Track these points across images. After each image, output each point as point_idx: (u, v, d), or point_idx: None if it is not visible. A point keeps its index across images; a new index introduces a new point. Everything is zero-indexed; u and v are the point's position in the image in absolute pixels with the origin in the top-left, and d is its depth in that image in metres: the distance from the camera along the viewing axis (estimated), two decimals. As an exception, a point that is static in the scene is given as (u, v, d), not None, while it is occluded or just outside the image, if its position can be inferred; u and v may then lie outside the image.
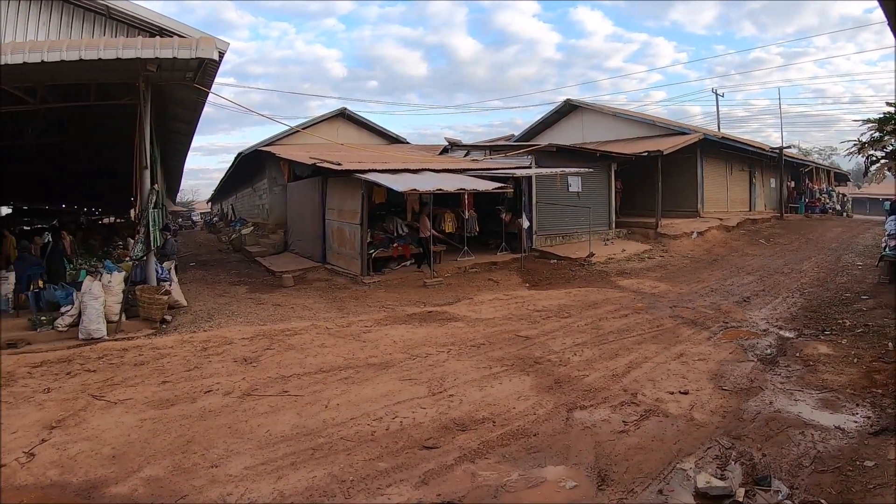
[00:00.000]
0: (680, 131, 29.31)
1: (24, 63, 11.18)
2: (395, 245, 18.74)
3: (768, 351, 9.86)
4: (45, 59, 11.22)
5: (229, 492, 5.84)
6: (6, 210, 44.00)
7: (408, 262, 18.82)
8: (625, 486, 5.63)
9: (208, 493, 5.85)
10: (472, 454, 6.38)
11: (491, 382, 8.66)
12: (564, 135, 33.44)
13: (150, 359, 10.70)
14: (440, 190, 16.98)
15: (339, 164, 18.88)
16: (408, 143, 35.60)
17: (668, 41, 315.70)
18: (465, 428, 7.06)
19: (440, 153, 28.10)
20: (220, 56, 12.66)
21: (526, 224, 20.53)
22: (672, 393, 7.98)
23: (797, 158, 41.89)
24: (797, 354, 9.57)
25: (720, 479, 5.64)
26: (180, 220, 65.60)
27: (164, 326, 13.11)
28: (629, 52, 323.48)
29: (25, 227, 33.18)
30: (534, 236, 21.56)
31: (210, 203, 75.49)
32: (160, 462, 6.58)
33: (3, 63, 11.12)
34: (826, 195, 41.40)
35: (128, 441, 7.20)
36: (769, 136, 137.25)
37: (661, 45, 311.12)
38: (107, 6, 13.92)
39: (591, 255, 19.63)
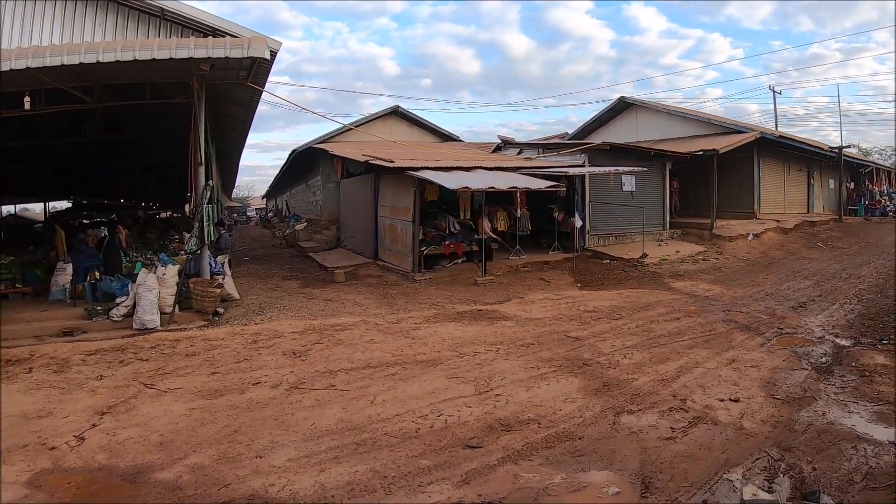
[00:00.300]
0: (736, 130, 28.57)
1: (81, 63, 11.51)
2: (446, 243, 18.72)
3: (823, 359, 9.56)
4: (101, 60, 11.53)
5: (272, 482, 5.90)
6: (66, 204, 45.28)
7: (459, 260, 18.78)
8: (668, 494, 5.51)
9: (251, 482, 5.92)
10: (516, 455, 6.30)
11: (538, 383, 8.57)
12: (618, 133, 32.99)
13: (202, 350, 10.91)
14: (492, 188, 16.88)
15: (392, 162, 18.94)
16: (461, 140, 35.53)
17: (724, 37, 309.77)
18: (509, 428, 7.00)
19: (493, 151, 28.04)
20: (272, 55, 12.82)
21: (579, 223, 20.27)
22: (722, 400, 7.77)
23: (857, 158, 40.66)
24: (853, 364, 9.24)
25: (767, 491, 5.48)
26: (235, 215, 66.56)
27: (216, 319, 13.33)
28: (684, 48, 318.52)
29: (84, 221, 34.22)
30: (586, 236, 21.31)
31: (265, 199, 76.75)
32: (206, 450, 6.69)
33: (60, 64, 11.48)
34: (887, 197, 39.98)
35: (175, 429, 7.36)
36: (828, 136, 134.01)
37: (717, 41, 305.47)
38: (161, 8, 14.17)
39: (645, 255, 19.38)
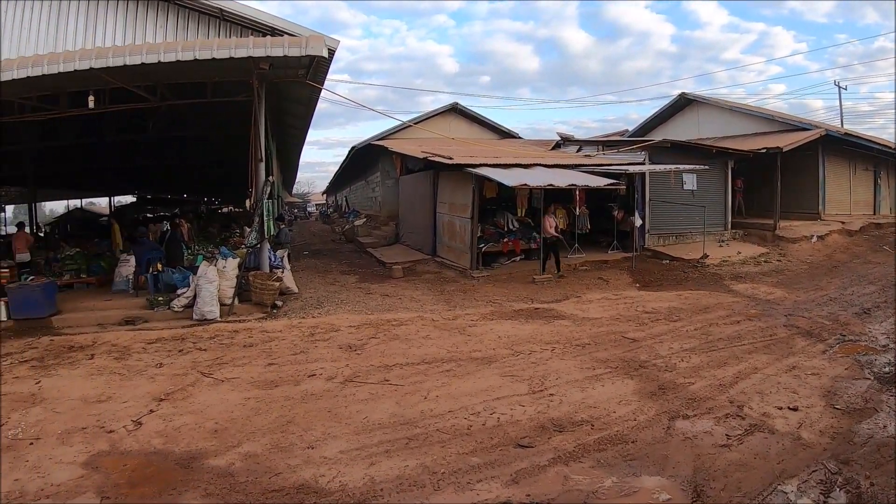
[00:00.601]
0: (800, 127, 27.42)
1: (142, 63, 11.89)
2: (505, 240, 18.71)
3: (887, 369, 9.19)
4: (162, 60, 11.91)
5: (322, 473, 5.99)
6: (131, 199, 46.59)
7: (517, 258, 18.75)
8: (720, 504, 5.43)
9: (302, 472, 6.02)
10: (567, 456, 6.26)
11: (593, 384, 8.49)
12: (679, 130, 32.27)
13: (259, 341, 11.12)
14: (551, 185, 16.78)
15: (451, 158, 18.97)
16: (520, 137, 35.31)
17: (787, 31, 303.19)
18: (562, 429, 6.95)
19: (552, 148, 27.82)
20: (330, 53, 12.99)
21: (638, 222, 19.99)
22: (780, 408, 7.55)
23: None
24: (919, 374, 8.97)
25: (822, 505, 5.36)
26: (296, 210, 67.63)
27: (274, 311, 13.58)
28: (746, 42, 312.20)
29: (148, 215, 35.28)
30: (646, 235, 21.04)
31: (325, 195, 77.72)
32: (259, 439, 6.84)
33: (123, 64, 11.90)
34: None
35: (230, 417, 7.54)
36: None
37: (780, 34, 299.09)
38: (220, 8, 14.49)
39: (705, 256, 19.03)
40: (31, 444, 7.06)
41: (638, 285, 16.68)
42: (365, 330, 11.76)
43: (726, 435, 6.75)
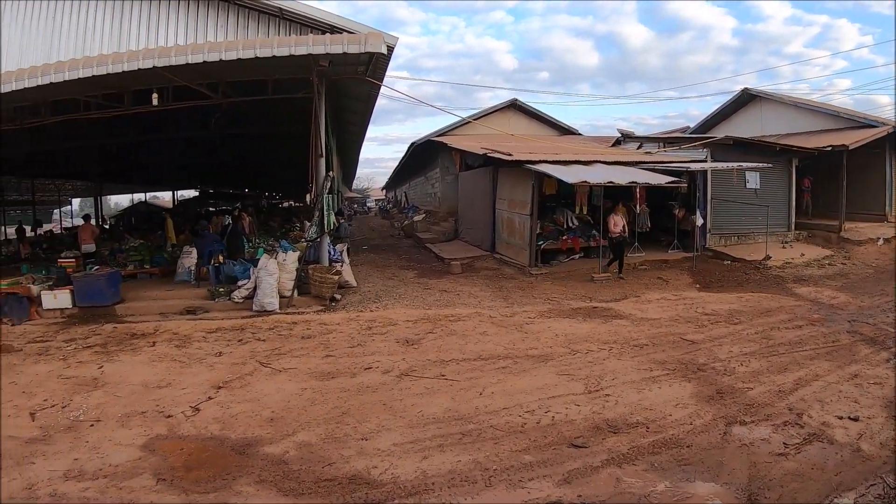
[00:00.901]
0: (867, 124, 26.19)
1: (204, 62, 12.23)
2: (564, 238, 18.64)
3: (955, 380, 8.99)
4: (223, 58, 12.24)
5: (375, 465, 6.10)
6: (194, 193, 47.83)
7: (576, 256, 18.66)
8: (774, 514, 5.33)
9: (355, 463, 6.14)
10: (620, 458, 6.22)
11: (650, 386, 8.41)
12: (742, 127, 31.19)
13: (317, 333, 11.33)
14: (611, 183, 16.58)
15: (510, 155, 18.95)
16: (579, 134, 34.98)
17: (852, 23, 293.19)
18: (616, 430, 6.91)
19: (612, 145, 27.49)
20: (388, 50, 13.11)
21: (700, 222, 19.65)
22: (841, 418, 7.32)
23: None
24: None
25: (879, 521, 5.22)
26: (355, 206, 68.22)
27: (332, 304, 13.79)
28: (809, 36, 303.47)
29: (210, 209, 36.19)
30: (707, 235, 20.61)
31: (384, 190, 78.20)
32: (314, 429, 7.00)
33: (185, 63, 12.27)
34: None
35: (287, 407, 7.74)
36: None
37: (844, 27, 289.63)
38: (279, 7, 14.75)
39: (768, 257, 18.61)
40: (92, 425, 7.40)
41: (698, 286, 16.43)
42: (422, 325, 11.86)
43: (784, 443, 6.60)
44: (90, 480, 5.99)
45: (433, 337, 11.00)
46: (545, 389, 8.21)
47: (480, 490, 5.63)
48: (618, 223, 17.40)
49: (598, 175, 17.22)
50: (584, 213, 19.29)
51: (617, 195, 18.95)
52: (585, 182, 16.53)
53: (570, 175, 16.43)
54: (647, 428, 6.99)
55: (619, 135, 27.54)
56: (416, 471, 5.96)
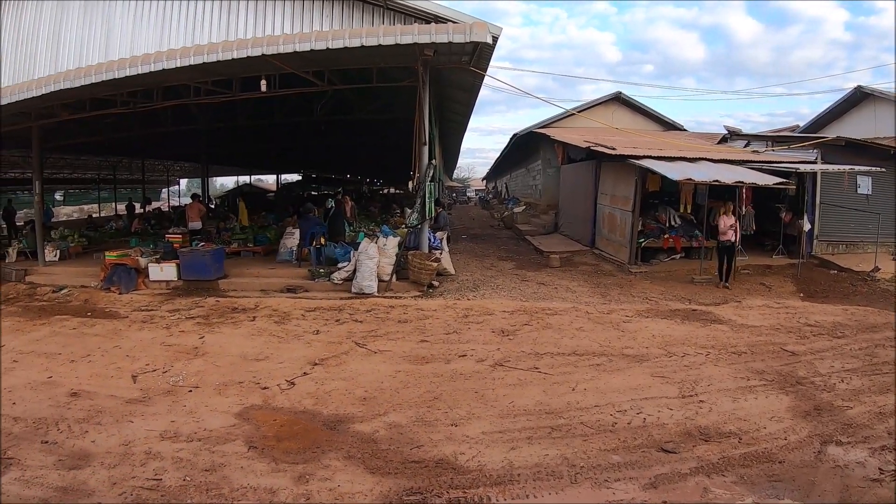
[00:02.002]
0: None
1: (311, 50, 12.56)
2: (665, 236, 18.23)
3: None
4: (330, 47, 12.49)
5: (462, 451, 6.16)
6: (297, 177, 49.32)
7: (677, 256, 18.22)
8: (859, 544, 5.11)
9: (442, 448, 6.22)
10: (710, 468, 6.06)
11: (745, 395, 8.12)
12: (854, 127, 29.26)
13: (414, 318, 11.53)
14: (717, 181, 15.98)
15: (614, 149, 18.67)
16: (685, 129, 34.01)
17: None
18: (708, 438, 6.73)
19: (718, 142, 26.68)
20: (493, 40, 13.07)
21: (807, 226, 18.70)
22: (943, 446, 6.92)
23: None
24: None
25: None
26: (455, 195, 68.51)
27: (430, 291, 13.98)
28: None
29: (313, 193, 37.29)
30: (814, 241, 19.67)
31: (485, 181, 78.54)
32: (405, 411, 7.15)
33: (293, 51, 12.65)
34: None
35: (380, 387, 7.92)
36: None
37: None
38: (384, -3, 15.00)
39: (877, 269, 17.62)
40: (190, 391, 7.82)
41: (802, 295, 15.74)
42: (518, 316, 11.88)
43: (879, 469, 6.22)
44: (185, 442, 6.32)
45: (529, 329, 10.98)
46: (638, 390, 8.09)
47: (565, 486, 5.61)
48: (728, 224, 16.52)
49: (704, 173, 16.69)
50: (688, 211, 18.83)
51: (722, 195, 18.42)
52: (690, 180, 16.06)
53: (675, 172, 16.04)
54: (740, 439, 6.77)
55: (726, 132, 26.76)
56: (503, 461, 5.99)
